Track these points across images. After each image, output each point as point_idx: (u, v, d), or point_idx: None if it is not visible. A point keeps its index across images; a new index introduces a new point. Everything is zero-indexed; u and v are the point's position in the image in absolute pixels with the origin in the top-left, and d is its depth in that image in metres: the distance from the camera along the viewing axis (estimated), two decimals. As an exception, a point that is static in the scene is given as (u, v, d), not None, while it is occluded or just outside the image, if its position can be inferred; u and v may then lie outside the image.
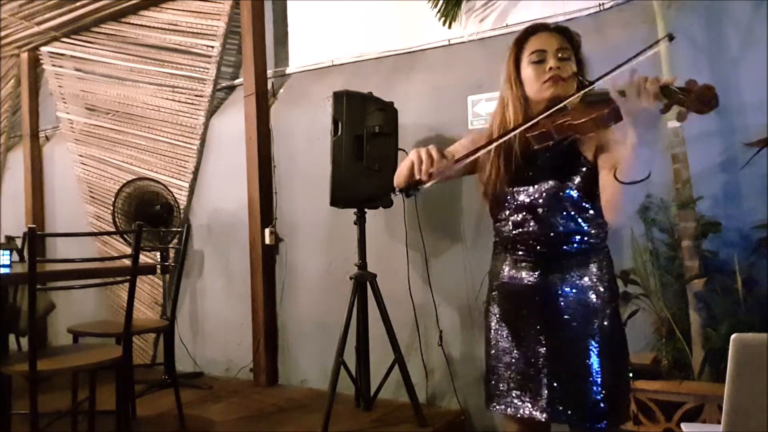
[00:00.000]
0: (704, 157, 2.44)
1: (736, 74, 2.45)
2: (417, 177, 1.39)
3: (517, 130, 1.46)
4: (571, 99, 1.42)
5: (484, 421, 2.97)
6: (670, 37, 1.32)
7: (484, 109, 2.97)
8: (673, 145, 2.38)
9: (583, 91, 1.41)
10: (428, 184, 1.40)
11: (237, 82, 4.00)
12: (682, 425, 1.86)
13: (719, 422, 1.20)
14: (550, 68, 1.50)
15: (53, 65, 4.91)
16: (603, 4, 2.78)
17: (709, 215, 2.37)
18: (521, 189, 1.55)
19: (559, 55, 1.52)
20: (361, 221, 2.94)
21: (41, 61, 5.02)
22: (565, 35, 1.56)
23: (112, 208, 3.67)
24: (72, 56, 4.75)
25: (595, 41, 2.67)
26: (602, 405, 1.46)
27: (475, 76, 3.02)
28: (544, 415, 1.49)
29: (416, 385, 2.87)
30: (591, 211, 1.52)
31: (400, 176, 1.55)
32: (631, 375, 2.18)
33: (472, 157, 1.45)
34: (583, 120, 1.37)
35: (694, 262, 2.31)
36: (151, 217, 3.62)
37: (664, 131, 2.41)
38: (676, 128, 2.36)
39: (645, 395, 2.20)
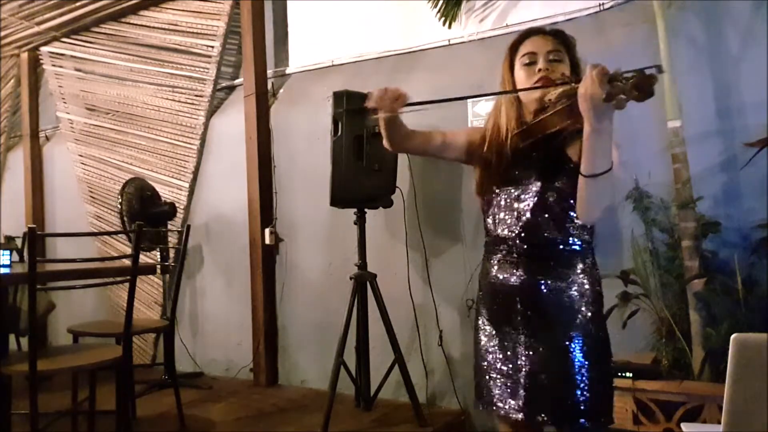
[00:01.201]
0: (704, 157, 2.44)
1: (736, 74, 2.45)
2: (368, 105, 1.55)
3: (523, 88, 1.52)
4: (547, 93, 1.45)
5: (484, 421, 2.97)
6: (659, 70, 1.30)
7: (484, 109, 2.97)
8: (673, 145, 2.38)
9: (561, 88, 1.42)
10: (377, 116, 1.57)
11: (237, 82, 4.00)
12: (682, 425, 1.86)
13: (719, 422, 1.21)
14: (540, 70, 1.53)
15: (53, 65, 4.91)
16: (603, 4, 2.78)
17: (709, 215, 2.37)
18: (509, 189, 1.57)
19: (550, 57, 1.54)
20: (361, 221, 2.94)
21: (41, 61, 5.02)
22: (558, 38, 1.59)
23: (119, 207, 3.68)
24: (72, 56, 4.75)
25: (595, 41, 2.68)
26: (583, 406, 1.46)
27: (475, 76, 3.02)
28: (521, 415, 1.49)
29: (416, 385, 2.87)
30: (575, 213, 1.52)
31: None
32: (630, 375, 2.19)
33: (420, 107, 1.58)
34: (549, 114, 1.41)
35: (694, 262, 2.31)
36: (152, 217, 3.61)
37: (663, 131, 2.42)
38: (676, 128, 2.36)
39: (645, 395, 2.20)
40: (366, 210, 2.95)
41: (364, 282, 2.87)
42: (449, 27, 3.12)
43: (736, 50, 2.47)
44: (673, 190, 2.41)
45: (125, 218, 3.58)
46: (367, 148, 2.81)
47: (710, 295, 2.27)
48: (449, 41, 3.19)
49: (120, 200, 3.59)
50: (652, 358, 2.35)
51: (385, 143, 1.68)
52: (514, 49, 1.61)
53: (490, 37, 3.06)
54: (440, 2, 3.09)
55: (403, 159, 2.99)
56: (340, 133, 2.79)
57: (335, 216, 3.27)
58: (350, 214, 2.96)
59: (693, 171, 2.37)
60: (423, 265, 3.13)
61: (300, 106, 3.66)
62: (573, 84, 1.40)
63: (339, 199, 2.83)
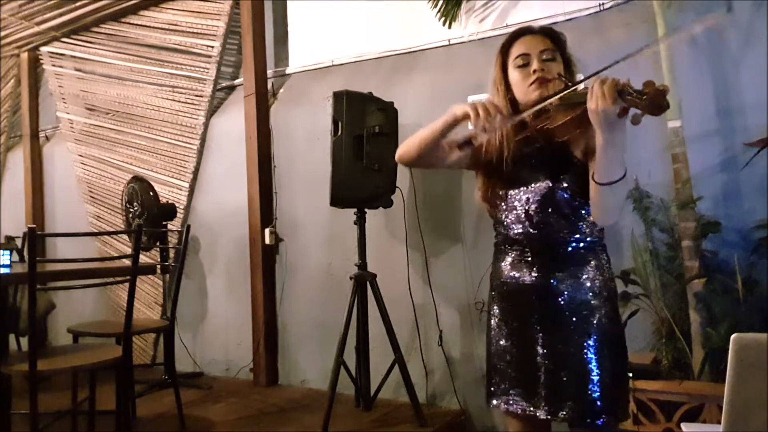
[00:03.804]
0: (704, 157, 2.44)
1: (736, 74, 2.45)
2: (474, 132, 1.45)
3: (526, 113, 1.48)
4: (550, 100, 1.44)
5: (484, 421, 2.97)
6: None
7: (484, 109, 2.97)
8: (673, 145, 2.38)
9: (561, 93, 1.42)
10: (480, 140, 1.46)
11: (237, 82, 4.00)
12: (682, 425, 1.86)
13: (719, 422, 1.20)
14: (535, 71, 1.52)
15: (53, 65, 4.91)
16: (603, 4, 2.78)
17: (709, 215, 2.37)
18: (517, 190, 1.57)
19: (543, 56, 1.54)
20: (361, 221, 2.94)
21: (41, 61, 5.02)
22: (549, 36, 1.58)
23: (124, 206, 3.68)
24: (72, 56, 4.75)
25: (595, 41, 2.68)
26: (600, 403, 1.46)
27: (475, 76, 3.02)
28: (543, 413, 1.50)
29: (416, 385, 2.87)
30: (585, 210, 1.53)
31: (446, 124, 1.56)
32: (630, 375, 2.19)
33: (529, 112, 1.47)
34: (558, 123, 1.40)
35: (694, 262, 2.31)
36: (151, 218, 3.62)
37: (663, 131, 2.42)
38: (676, 128, 2.36)
39: (645, 395, 2.20)
40: (366, 210, 2.95)
41: (364, 282, 2.87)
42: (449, 27, 3.12)
43: (736, 50, 2.47)
44: (673, 190, 2.41)
45: (130, 219, 3.59)
46: (367, 148, 2.81)
47: (710, 295, 2.27)
48: (449, 41, 3.19)
49: (124, 200, 3.59)
50: (652, 358, 2.36)
51: (413, 156, 1.64)
52: (505, 50, 1.60)
53: (490, 37, 3.06)
54: (440, 2, 3.09)
55: (403, 159, 2.99)
56: (340, 133, 2.79)
57: (335, 216, 3.27)
58: (350, 214, 2.96)
59: (693, 171, 2.37)
60: (423, 265, 3.13)
61: (300, 106, 3.66)
62: (577, 88, 1.39)
63: (339, 199, 2.83)
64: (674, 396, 2.16)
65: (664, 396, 2.18)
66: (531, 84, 1.52)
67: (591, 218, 1.53)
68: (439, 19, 3.11)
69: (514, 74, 1.57)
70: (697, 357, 2.25)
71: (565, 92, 1.41)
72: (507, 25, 2.99)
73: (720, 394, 1.17)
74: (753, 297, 2.23)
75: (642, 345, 2.48)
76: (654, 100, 1.21)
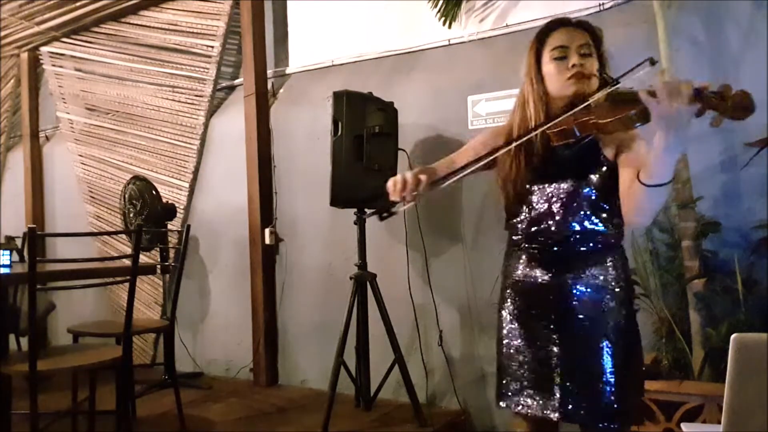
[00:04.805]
0: (704, 157, 2.44)
1: (736, 74, 2.45)
2: (392, 199, 1.44)
3: (539, 130, 1.45)
4: (596, 97, 1.41)
5: (484, 421, 2.97)
6: (652, 62, 1.32)
7: (484, 109, 2.97)
8: (673, 145, 2.37)
9: (608, 89, 1.39)
10: (403, 207, 1.45)
11: (237, 82, 4.00)
12: (682, 425, 1.86)
13: (719, 422, 1.20)
14: (573, 65, 1.49)
15: (53, 65, 4.91)
16: (603, 4, 2.78)
17: (709, 215, 2.37)
18: (540, 186, 1.54)
19: (582, 51, 1.50)
20: (361, 221, 2.94)
21: (41, 61, 5.02)
22: (587, 31, 1.55)
23: (124, 205, 3.68)
24: (72, 56, 4.75)
25: (595, 41, 2.67)
26: (615, 405, 1.45)
27: (475, 76, 3.02)
28: (557, 415, 1.47)
29: (416, 385, 2.87)
30: (608, 211, 1.51)
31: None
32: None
33: (459, 175, 1.48)
34: (609, 119, 1.35)
35: (694, 262, 2.31)
36: (153, 217, 3.62)
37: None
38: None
39: (645, 395, 2.20)
40: (366, 210, 2.95)
41: (364, 282, 2.87)
42: (449, 27, 3.12)
43: (737, 50, 2.47)
44: (673, 190, 2.41)
45: (128, 220, 3.59)
46: (367, 148, 2.81)
47: (710, 295, 2.27)
48: (449, 41, 3.19)
49: (123, 198, 3.59)
50: (652, 358, 2.35)
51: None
52: (541, 40, 1.56)
53: (490, 37, 3.06)
54: (440, 2, 3.09)
55: (403, 159, 2.99)
56: (340, 133, 2.79)
57: (335, 216, 3.27)
58: (350, 214, 2.96)
59: (693, 171, 2.37)
60: (423, 265, 3.13)
61: (300, 106, 3.66)
62: (616, 83, 1.37)
63: (339, 199, 2.83)
64: (674, 396, 2.16)
65: (664, 396, 2.18)
66: (568, 78, 1.49)
67: (611, 218, 1.51)
68: (439, 19, 3.11)
69: (549, 66, 1.52)
70: (697, 357, 2.25)
71: (610, 89, 1.38)
72: (507, 25, 2.99)
73: (720, 394, 1.17)
74: (753, 297, 2.23)
75: (642, 345, 2.47)
76: (740, 103, 1.17)
